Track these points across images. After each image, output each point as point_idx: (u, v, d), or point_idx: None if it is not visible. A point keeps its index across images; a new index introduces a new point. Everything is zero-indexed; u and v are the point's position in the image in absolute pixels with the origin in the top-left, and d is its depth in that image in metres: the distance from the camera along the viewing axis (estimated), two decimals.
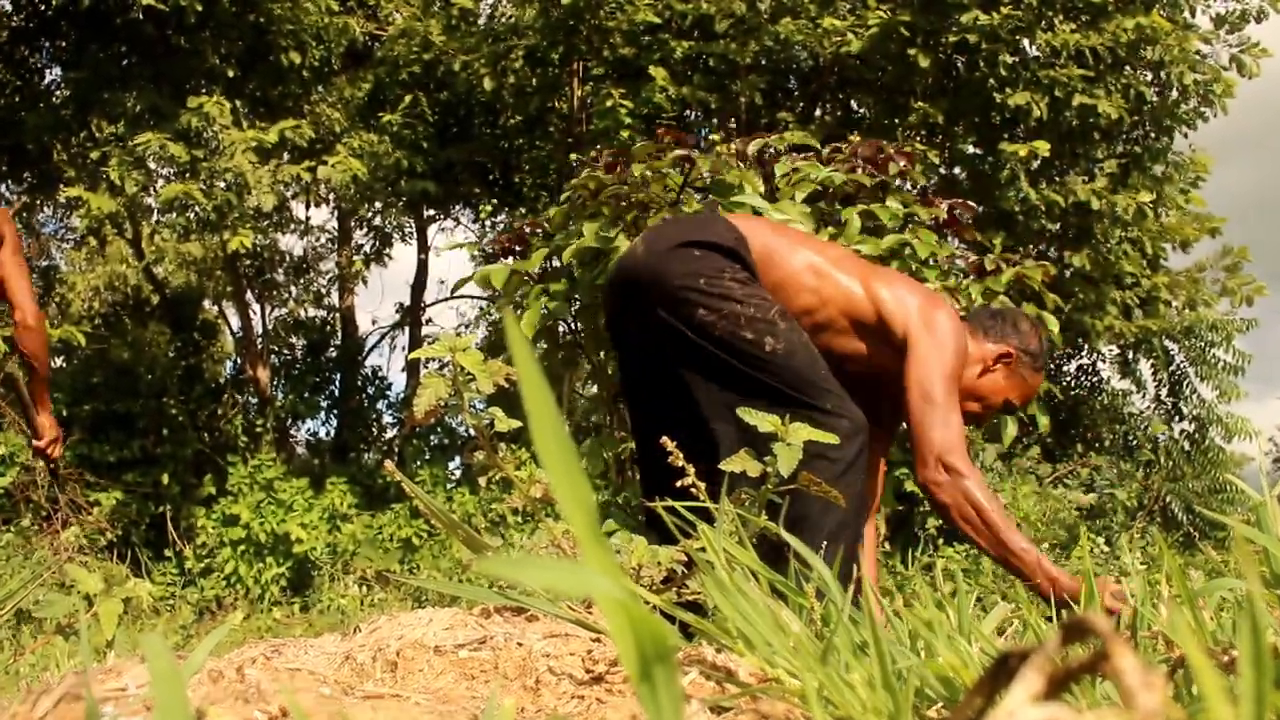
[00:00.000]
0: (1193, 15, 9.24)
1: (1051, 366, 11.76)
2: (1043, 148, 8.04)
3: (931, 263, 5.33)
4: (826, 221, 5.48)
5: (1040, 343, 2.72)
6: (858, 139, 5.83)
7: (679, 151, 5.17)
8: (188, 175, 8.28)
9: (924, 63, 8.36)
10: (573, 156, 7.53)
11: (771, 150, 5.63)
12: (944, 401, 2.38)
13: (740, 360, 2.28)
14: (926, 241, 5.27)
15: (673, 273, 2.34)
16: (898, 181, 5.68)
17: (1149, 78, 8.99)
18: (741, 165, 5.46)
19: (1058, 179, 8.86)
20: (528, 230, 5.65)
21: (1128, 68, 8.80)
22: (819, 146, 5.74)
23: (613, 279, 2.59)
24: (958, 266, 5.82)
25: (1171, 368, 10.58)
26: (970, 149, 8.81)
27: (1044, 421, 6.13)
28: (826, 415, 2.19)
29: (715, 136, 6.07)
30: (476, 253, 7.49)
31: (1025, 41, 8.50)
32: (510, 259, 5.58)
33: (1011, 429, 5.83)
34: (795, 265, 2.49)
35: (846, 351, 2.54)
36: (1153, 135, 9.29)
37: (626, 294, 2.48)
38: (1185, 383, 10.55)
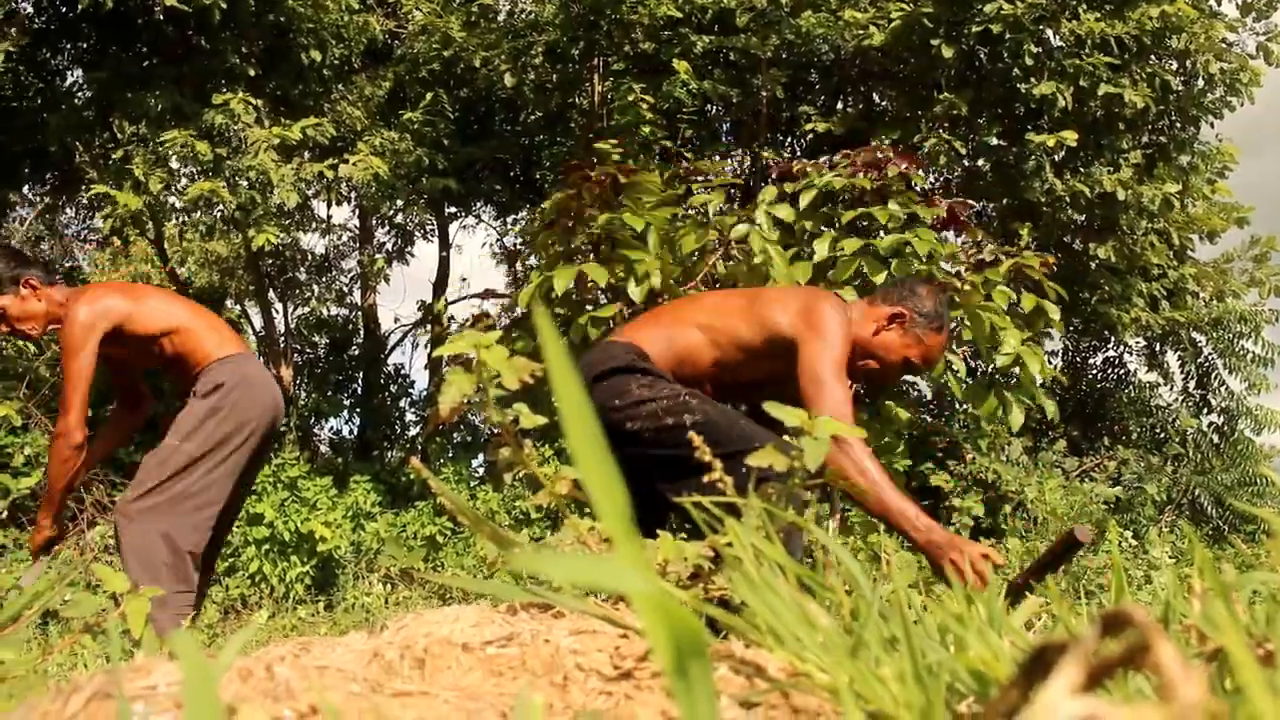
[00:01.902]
0: (1218, 3, 9.15)
1: (1077, 359, 11.70)
2: (1070, 137, 7.99)
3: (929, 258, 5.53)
4: (830, 225, 5.62)
5: (937, 305, 3.08)
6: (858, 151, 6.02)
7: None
8: (211, 173, 8.31)
9: (947, 53, 8.31)
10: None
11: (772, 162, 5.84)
12: (831, 383, 2.77)
13: (674, 447, 2.55)
14: (926, 240, 5.39)
15: (592, 407, 2.75)
16: (908, 183, 5.80)
17: (1174, 66, 8.91)
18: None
19: (1082, 170, 8.79)
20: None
21: (1153, 57, 8.73)
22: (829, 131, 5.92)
23: None
24: (958, 260, 5.94)
25: (1199, 360, 10.50)
26: (994, 140, 8.75)
27: (1050, 407, 6.13)
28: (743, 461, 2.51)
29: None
30: (497, 250, 7.54)
31: (1049, 32, 8.44)
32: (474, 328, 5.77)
33: (1018, 414, 5.88)
34: (689, 336, 2.97)
35: (759, 376, 3.01)
36: (1178, 125, 9.21)
37: None
38: (1213, 375, 10.47)
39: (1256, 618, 0.93)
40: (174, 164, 8.49)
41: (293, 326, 13.25)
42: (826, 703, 0.72)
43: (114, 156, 8.70)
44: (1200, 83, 8.99)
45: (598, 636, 0.88)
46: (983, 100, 8.77)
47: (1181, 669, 0.36)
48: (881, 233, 5.65)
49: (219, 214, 8.42)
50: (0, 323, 3.81)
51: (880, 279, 5.34)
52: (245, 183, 8.23)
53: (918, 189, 6.08)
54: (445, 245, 13.17)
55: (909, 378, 8.16)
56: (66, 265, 14.54)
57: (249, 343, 4.19)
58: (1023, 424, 9.64)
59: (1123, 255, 9.10)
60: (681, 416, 2.64)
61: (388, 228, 13.66)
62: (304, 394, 12.21)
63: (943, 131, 8.62)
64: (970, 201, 6.27)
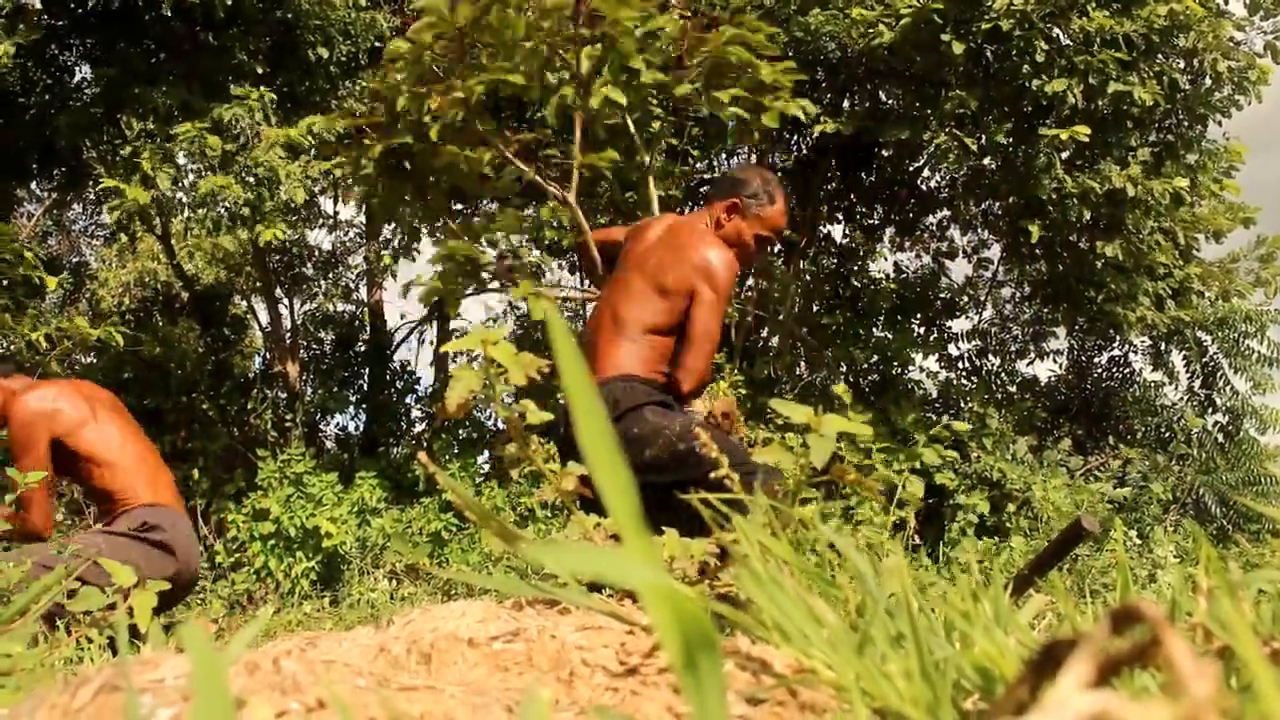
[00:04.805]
0: (1226, 1, 9.12)
1: (1082, 358, 11.69)
2: (1082, 132, 7.96)
3: None
4: None
5: (760, 181, 3.49)
6: None
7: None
8: (219, 169, 8.31)
9: (956, 50, 8.28)
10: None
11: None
12: (711, 342, 3.21)
13: (694, 468, 2.80)
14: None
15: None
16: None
17: (1182, 65, 8.89)
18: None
19: (1089, 167, 8.76)
20: None
21: (1161, 55, 8.70)
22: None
23: None
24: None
25: (1205, 359, 10.48)
26: (1002, 139, 8.71)
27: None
28: (752, 475, 2.84)
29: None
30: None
31: (1056, 30, 8.41)
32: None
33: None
34: (643, 342, 3.27)
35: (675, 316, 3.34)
36: (1186, 123, 9.18)
37: None
38: (1219, 374, 10.45)
39: (1262, 616, 0.93)
40: (181, 159, 8.49)
41: (299, 322, 13.25)
42: (833, 699, 0.72)
43: (122, 153, 8.69)
44: (1208, 81, 8.96)
45: (604, 632, 0.88)
46: (992, 98, 8.75)
47: (1193, 664, 0.36)
48: None
49: (225, 209, 8.41)
50: None
51: None
52: (253, 179, 8.23)
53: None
54: None
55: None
56: (74, 260, 14.56)
57: (179, 497, 4.10)
58: (1028, 423, 9.64)
59: (1129, 254, 9.07)
60: (691, 443, 2.90)
61: (394, 224, 13.64)
62: (310, 390, 12.21)
63: (951, 129, 8.61)
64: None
